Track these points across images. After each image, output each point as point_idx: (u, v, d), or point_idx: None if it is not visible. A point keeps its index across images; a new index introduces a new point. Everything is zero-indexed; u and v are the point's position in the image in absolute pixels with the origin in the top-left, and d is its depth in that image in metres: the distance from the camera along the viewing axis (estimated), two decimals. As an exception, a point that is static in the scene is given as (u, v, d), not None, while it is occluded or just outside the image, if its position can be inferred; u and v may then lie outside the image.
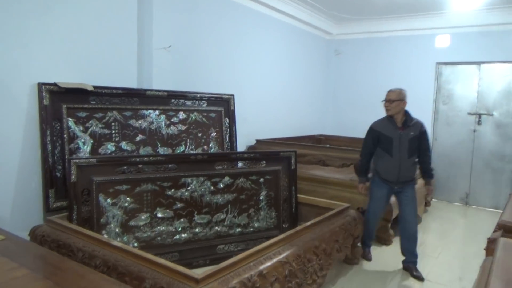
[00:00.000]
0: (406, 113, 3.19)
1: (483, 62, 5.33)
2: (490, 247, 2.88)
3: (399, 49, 5.95)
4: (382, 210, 3.45)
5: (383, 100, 3.20)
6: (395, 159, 3.15)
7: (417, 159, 3.23)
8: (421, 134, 3.17)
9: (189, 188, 3.01)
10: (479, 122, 5.41)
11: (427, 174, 3.29)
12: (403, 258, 3.30)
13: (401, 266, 3.30)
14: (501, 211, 4.91)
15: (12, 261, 1.65)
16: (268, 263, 2.14)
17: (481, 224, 4.76)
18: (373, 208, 3.39)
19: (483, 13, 5.12)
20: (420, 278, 3.09)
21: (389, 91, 3.19)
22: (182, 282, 1.82)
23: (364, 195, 3.55)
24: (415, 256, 3.23)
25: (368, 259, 3.43)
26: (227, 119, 3.93)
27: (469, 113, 5.49)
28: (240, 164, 3.23)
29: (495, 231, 3.20)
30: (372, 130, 3.30)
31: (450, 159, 5.61)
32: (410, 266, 3.22)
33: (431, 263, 3.46)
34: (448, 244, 3.98)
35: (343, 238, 2.88)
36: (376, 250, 3.63)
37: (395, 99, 3.12)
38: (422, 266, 3.26)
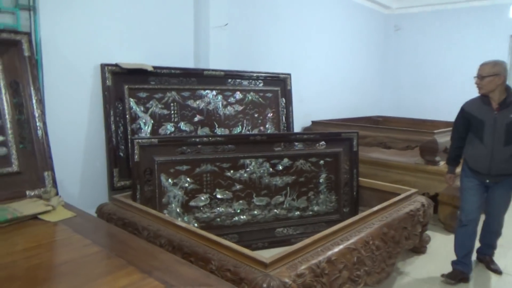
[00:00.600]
0: (508, 90, 2.57)
1: None
2: None
3: (468, 22, 5.45)
4: (478, 209, 2.73)
5: (475, 76, 2.64)
6: (487, 147, 2.60)
7: None
8: None
9: (247, 169, 2.95)
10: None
11: None
12: (479, 245, 2.98)
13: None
14: None
15: (85, 238, 1.67)
16: (336, 249, 2.02)
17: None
18: (466, 205, 2.75)
19: None
20: (498, 271, 2.84)
21: (481, 65, 2.61)
22: (249, 265, 1.75)
23: (451, 187, 3.10)
24: (493, 247, 2.93)
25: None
26: (284, 99, 3.81)
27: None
28: (299, 145, 3.11)
29: None
30: (462, 112, 2.76)
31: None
32: (486, 258, 2.94)
33: (510, 254, 3.18)
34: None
35: (411, 225, 2.69)
36: (445, 238, 3.38)
37: (487, 75, 2.53)
38: (500, 257, 2.99)
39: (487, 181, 2.67)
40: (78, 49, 2.63)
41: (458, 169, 2.93)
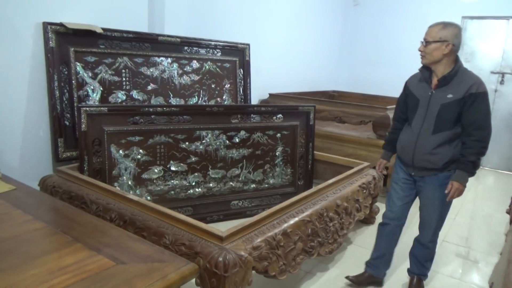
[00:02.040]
0: (456, 64, 2.03)
1: (513, 17, 4.99)
2: (516, 210, 2.80)
3: (423, 1, 5.57)
4: (402, 208, 2.28)
5: (421, 41, 2.10)
6: (413, 132, 2.14)
7: (456, 139, 2.07)
8: (469, 98, 1.95)
9: (203, 141, 2.87)
10: (501, 82, 5.18)
11: (461, 162, 2.03)
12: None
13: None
14: (517, 174, 4.84)
15: (26, 213, 1.54)
16: (292, 222, 2.04)
17: (495, 186, 4.68)
18: (388, 201, 2.34)
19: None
20: None
21: (429, 26, 2.06)
22: (205, 239, 1.72)
23: (380, 174, 2.74)
24: (424, 267, 2.32)
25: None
26: (242, 70, 3.72)
27: (492, 72, 5.24)
28: (256, 118, 3.06)
29: (519, 194, 3.11)
30: (404, 87, 2.30)
31: (467, 120, 5.41)
32: (413, 280, 2.32)
33: (448, 223, 3.40)
34: (464, 205, 3.91)
35: (363, 198, 2.78)
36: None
37: (433, 39, 1.99)
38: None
39: (412, 173, 2.20)
40: (16, 5, 2.36)
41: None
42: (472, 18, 5.30)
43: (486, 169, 5.41)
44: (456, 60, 2.05)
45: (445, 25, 2.01)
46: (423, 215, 2.25)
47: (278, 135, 3.16)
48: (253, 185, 3.11)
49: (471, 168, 2.03)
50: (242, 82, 3.73)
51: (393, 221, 2.30)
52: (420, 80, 2.17)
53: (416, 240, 2.33)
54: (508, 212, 3.24)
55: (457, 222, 3.49)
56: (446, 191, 2.06)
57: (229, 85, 3.62)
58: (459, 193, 2.05)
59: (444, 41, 1.98)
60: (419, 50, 2.09)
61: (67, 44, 2.60)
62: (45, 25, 2.48)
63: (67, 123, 2.63)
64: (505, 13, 5.02)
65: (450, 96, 2.00)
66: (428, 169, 2.12)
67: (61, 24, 2.53)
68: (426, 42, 2.03)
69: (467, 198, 4.16)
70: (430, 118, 2.07)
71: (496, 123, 5.27)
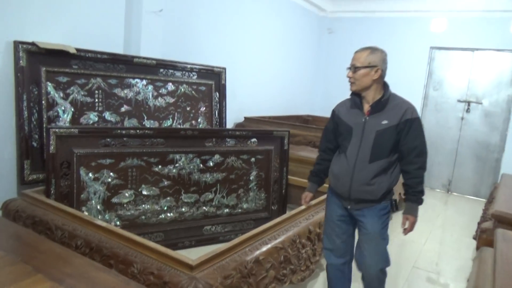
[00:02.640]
0: (384, 89, 2.01)
1: (478, 49, 5.27)
2: (482, 236, 2.88)
3: (394, 30, 5.82)
4: (342, 248, 2.12)
5: (348, 68, 2.02)
6: (349, 162, 1.99)
7: (391, 167, 1.99)
8: (405, 124, 1.92)
9: (177, 165, 2.84)
10: (467, 110, 5.41)
11: (409, 193, 1.99)
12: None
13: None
14: (483, 199, 5.01)
15: (-17, 241, 1.46)
16: (264, 249, 2.02)
17: (463, 212, 4.81)
18: (325, 242, 2.18)
19: (483, -2, 5.03)
20: None
21: (356, 52, 2.00)
22: (174, 268, 1.67)
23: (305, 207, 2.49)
24: None
25: None
26: (217, 94, 3.73)
27: (459, 100, 5.47)
28: (230, 142, 3.06)
29: (485, 220, 3.21)
30: (332, 115, 2.19)
31: (436, 146, 5.60)
32: None
33: (418, 249, 3.46)
34: (434, 231, 3.99)
35: (336, 223, 2.78)
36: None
37: (362, 65, 1.93)
38: (410, 252, 3.22)
39: (348, 207, 2.04)
40: (-15, 23, 2.31)
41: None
42: (440, 48, 5.56)
43: (454, 195, 5.57)
44: (385, 85, 2.02)
45: (373, 50, 1.96)
46: (363, 248, 2.04)
47: (253, 159, 3.16)
48: (226, 210, 3.08)
49: (421, 198, 1.98)
50: (218, 105, 3.74)
51: (338, 259, 2.14)
52: (350, 107, 2.08)
53: (363, 277, 2.10)
54: (474, 238, 3.32)
55: (427, 247, 3.55)
56: (403, 227, 2.01)
57: (204, 108, 3.61)
58: (414, 225, 2.00)
59: (373, 67, 1.93)
60: (348, 77, 2.01)
61: (38, 64, 2.54)
62: (16, 43, 2.42)
63: (34, 144, 2.54)
64: (470, 45, 5.30)
65: (385, 122, 1.94)
66: (366, 201, 1.98)
67: (33, 43, 2.48)
68: (355, 68, 1.96)
69: (436, 223, 4.26)
70: (366, 146, 1.96)
71: (463, 150, 5.49)
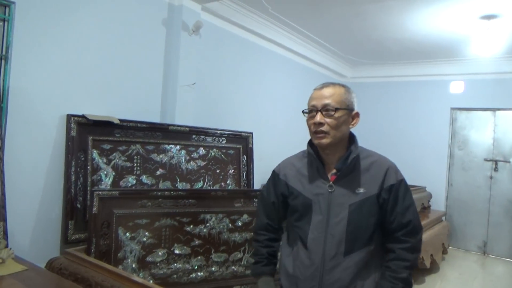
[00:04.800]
0: (350, 142, 1.51)
1: (498, 109, 5.37)
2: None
3: (414, 94, 6.04)
4: None
5: (305, 111, 1.54)
6: (312, 254, 1.38)
7: (374, 261, 1.40)
8: (390, 192, 1.39)
9: (207, 224, 2.97)
10: (495, 169, 5.37)
11: (387, 279, 1.36)
12: None
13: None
14: (522, 261, 4.78)
15: (37, 293, 1.62)
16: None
17: (500, 275, 4.59)
18: None
19: (498, 61, 5.23)
20: None
21: (323, 88, 1.48)
22: (206, 323, 1.75)
23: None
24: None
25: None
26: (245, 157, 3.95)
27: (485, 159, 5.46)
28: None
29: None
30: (274, 179, 1.64)
31: (467, 206, 5.51)
32: None
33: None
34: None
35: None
36: None
37: (340, 106, 1.43)
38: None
39: None
40: (46, 99, 2.66)
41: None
42: (460, 109, 5.68)
43: (491, 257, 5.33)
44: (351, 136, 1.51)
45: (346, 87, 1.49)
46: None
47: (280, 219, 3.25)
48: (254, 270, 3.12)
49: None
50: (246, 167, 3.94)
51: None
52: (304, 170, 1.49)
53: None
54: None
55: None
56: None
57: (233, 171, 3.81)
58: None
59: (352, 110, 1.46)
60: (316, 123, 1.43)
61: (86, 133, 2.85)
62: (69, 117, 2.76)
63: (78, 206, 2.77)
64: (491, 105, 5.41)
65: (361, 191, 1.37)
66: None
67: (83, 116, 2.82)
68: (332, 110, 1.40)
69: None
70: (337, 230, 1.34)
71: (496, 209, 5.35)
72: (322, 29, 4.81)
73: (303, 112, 1.50)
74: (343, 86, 1.50)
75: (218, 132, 3.72)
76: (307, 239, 1.38)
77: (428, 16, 4.15)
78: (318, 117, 1.42)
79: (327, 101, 1.42)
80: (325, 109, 1.41)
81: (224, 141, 3.78)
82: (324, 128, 1.41)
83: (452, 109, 5.70)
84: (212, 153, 3.66)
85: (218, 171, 3.68)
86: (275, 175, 1.62)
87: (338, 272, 1.32)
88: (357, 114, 1.48)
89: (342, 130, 1.43)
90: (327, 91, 1.44)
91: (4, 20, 2.38)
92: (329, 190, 1.39)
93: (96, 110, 2.96)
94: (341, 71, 6.38)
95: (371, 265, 1.35)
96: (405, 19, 4.26)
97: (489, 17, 3.99)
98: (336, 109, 1.41)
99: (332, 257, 1.34)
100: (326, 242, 1.35)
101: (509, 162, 5.25)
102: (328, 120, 1.41)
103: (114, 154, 3.00)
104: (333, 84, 1.48)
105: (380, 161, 1.46)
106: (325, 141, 1.42)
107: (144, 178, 3.14)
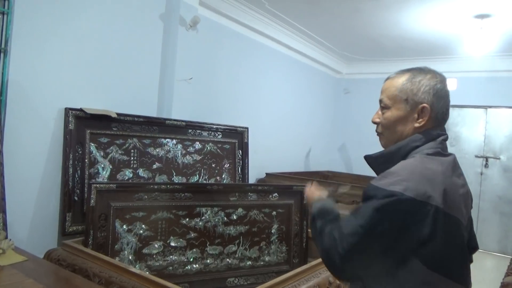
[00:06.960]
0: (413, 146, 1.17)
1: (490, 107, 5.46)
2: (504, 292, 2.87)
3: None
4: None
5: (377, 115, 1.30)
6: None
7: None
8: None
9: (203, 218, 3.03)
10: (486, 165, 5.47)
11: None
12: None
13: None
14: (510, 256, 4.90)
15: (38, 282, 1.66)
16: (285, 298, 2.13)
17: (489, 269, 4.70)
18: None
19: (491, 59, 5.30)
20: None
21: (388, 77, 1.27)
22: (202, 312, 1.81)
23: None
24: None
25: None
26: (240, 151, 4.00)
27: (476, 156, 5.56)
28: (253, 196, 3.25)
29: (508, 275, 3.19)
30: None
31: (457, 201, 5.61)
32: None
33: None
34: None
35: (355, 276, 2.85)
36: None
37: (391, 103, 1.22)
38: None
39: None
40: (44, 93, 2.69)
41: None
42: (453, 106, 5.75)
43: (480, 251, 5.45)
44: (414, 140, 1.23)
45: (412, 73, 1.23)
46: None
47: (274, 213, 3.32)
48: (249, 262, 3.19)
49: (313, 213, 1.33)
50: (241, 162, 3.99)
51: None
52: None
53: None
54: (499, 294, 3.27)
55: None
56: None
57: (228, 165, 3.86)
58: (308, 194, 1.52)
59: (416, 104, 1.20)
60: (373, 122, 1.30)
61: (84, 127, 2.88)
62: (67, 110, 2.79)
63: (76, 198, 2.81)
64: (483, 103, 5.50)
65: None
66: None
67: (80, 110, 2.85)
68: (387, 107, 1.24)
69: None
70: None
71: (485, 205, 5.47)
72: (318, 25, 4.85)
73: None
74: (407, 72, 1.20)
75: (214, 126, 3.76)
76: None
77: (423, 15, 4.20)
78: (375, 115, 1.25)
79: (381, 96, 1.23)
80: (380, 105, 1.22)
81: (220, 136, 3.83)
82: (378, 128, 1.24)
83: (445, 106, 5.78)
84: (208, 148, 3.70)
85: (213, 165, 3.73)
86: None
87: None
88: (425, 109, 1.14)
89: (398, 131, 1.18)
90: (386, 83, 1.23)
91: (3, 13, 2.40)
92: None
93: (94, 104, 2.99)
94: (336, 67, 6.43)
95: None
96: (400, 17, 4.31)
97: (482, 16, 4.06)
98: (387, 107, 1.19)
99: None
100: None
101: (499, 158, 5.36)
102: (382, 118, 1.22)
103: (111, 147, 3.03)
104: (399, 73, 1.22)
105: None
106: (381, 143, 1.27)
107: (140, 172, 3.18)
